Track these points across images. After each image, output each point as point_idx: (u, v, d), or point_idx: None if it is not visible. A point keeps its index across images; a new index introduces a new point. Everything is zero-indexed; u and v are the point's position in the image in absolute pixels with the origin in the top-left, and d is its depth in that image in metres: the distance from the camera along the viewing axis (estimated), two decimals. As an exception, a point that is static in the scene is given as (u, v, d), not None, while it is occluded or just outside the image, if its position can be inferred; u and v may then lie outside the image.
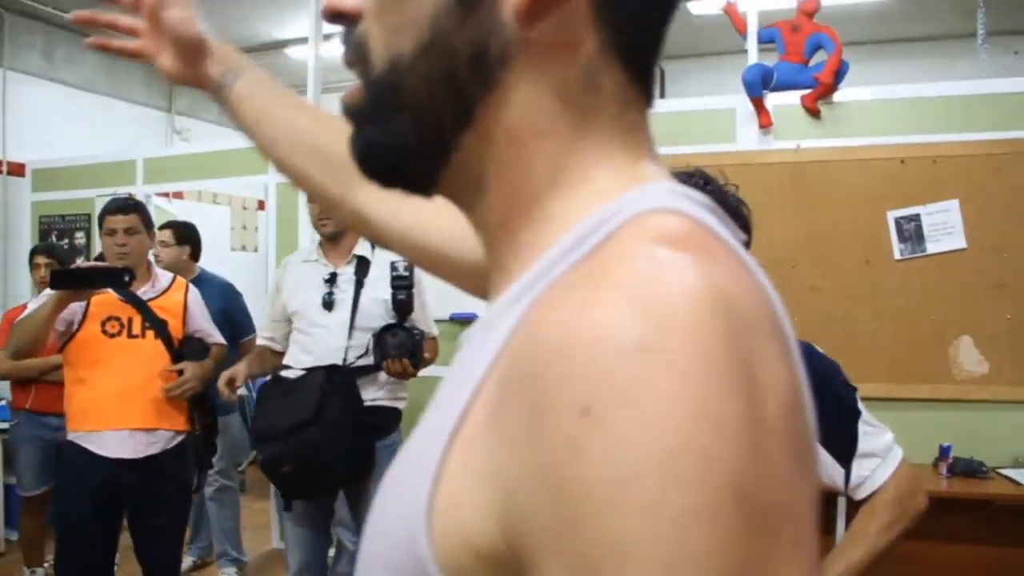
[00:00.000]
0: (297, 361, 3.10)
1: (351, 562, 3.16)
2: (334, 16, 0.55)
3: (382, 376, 3.08)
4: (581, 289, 0.42)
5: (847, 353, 3.47)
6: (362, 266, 3.17)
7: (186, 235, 4.48)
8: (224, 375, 3.20)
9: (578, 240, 0.46)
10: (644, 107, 0.53)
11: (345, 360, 3.06)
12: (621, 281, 0.41)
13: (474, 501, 0.44)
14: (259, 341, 3.41)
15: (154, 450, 3.10)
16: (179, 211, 6.23)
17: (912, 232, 3.54)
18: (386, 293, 3.10)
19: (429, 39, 0.50)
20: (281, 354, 3.24)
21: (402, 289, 3.06)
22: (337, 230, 3.16)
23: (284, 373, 3.14)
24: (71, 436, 3.09)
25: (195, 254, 4.52)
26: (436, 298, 3.26)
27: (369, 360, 3.06)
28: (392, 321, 3.08)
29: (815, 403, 1.51)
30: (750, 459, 0.37)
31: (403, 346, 3.02)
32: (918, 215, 3.53)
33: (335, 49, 6.85)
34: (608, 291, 0.41)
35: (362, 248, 3.20)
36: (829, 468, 1.46)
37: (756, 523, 0.37)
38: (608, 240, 0.44)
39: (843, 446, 1.46)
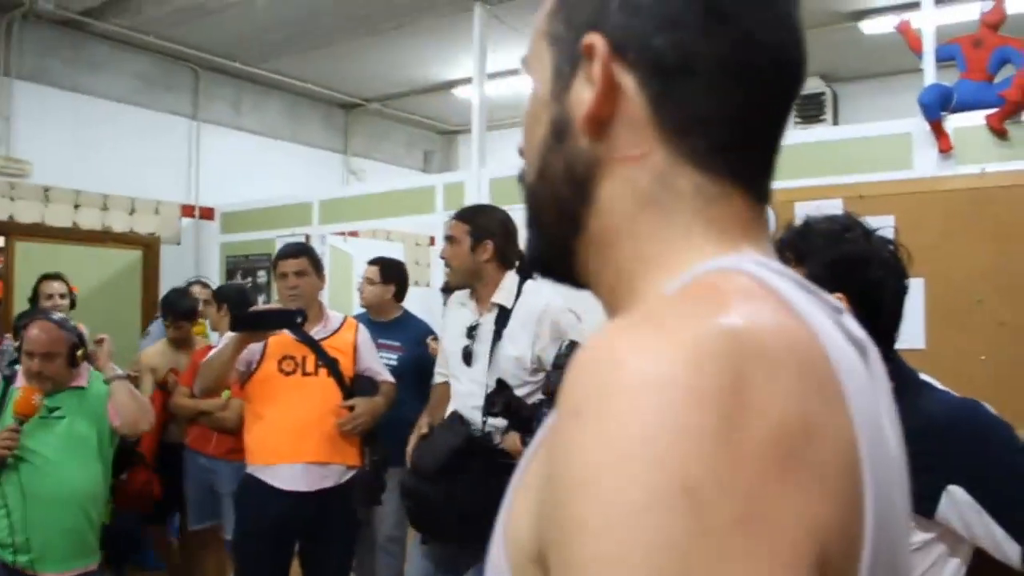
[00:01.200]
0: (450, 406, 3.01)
1: None
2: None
3: None
4: (613, 326, 0.50)
5: (1043, 396, 3.21)
6: (502, 316, 2.90)
7: (392, 274, 4.33)
8: (410, 448, 3.10)
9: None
10: (738, 199, 0.59)
11: (484, 427, 2.84)
12: (647, 319, 0.49)
13: (528, 508, 0.55)
14: (437, 379, 3.29)
15: (327, 484, 3.22)
16: (354, 249, 6.50)
17: (1117, 261, 3.22)
18: (522, 350, 2.84)
19: (540, 167, 0.63)
20: None
21: (557, 368, 2.71)
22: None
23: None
24: (249, 469, 3.26)
25: (399, 294, 4.37)
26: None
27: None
28: (531, 379, 2.83)
29: (982, 468, 1.34)
30: (706, 465, 0.41)
31: (517, 421, 2.67)
32: (1123, 242, 3.21)
33: (498, 88, 6.98)
34: (630, 326, 0.48)
35: (501, 295, 2.93)
36: (1001, 542, 1.31)
37: (705, 520, 0.41)
38: (665, 295, 0.54)
39: (1017, 518, 1.30)
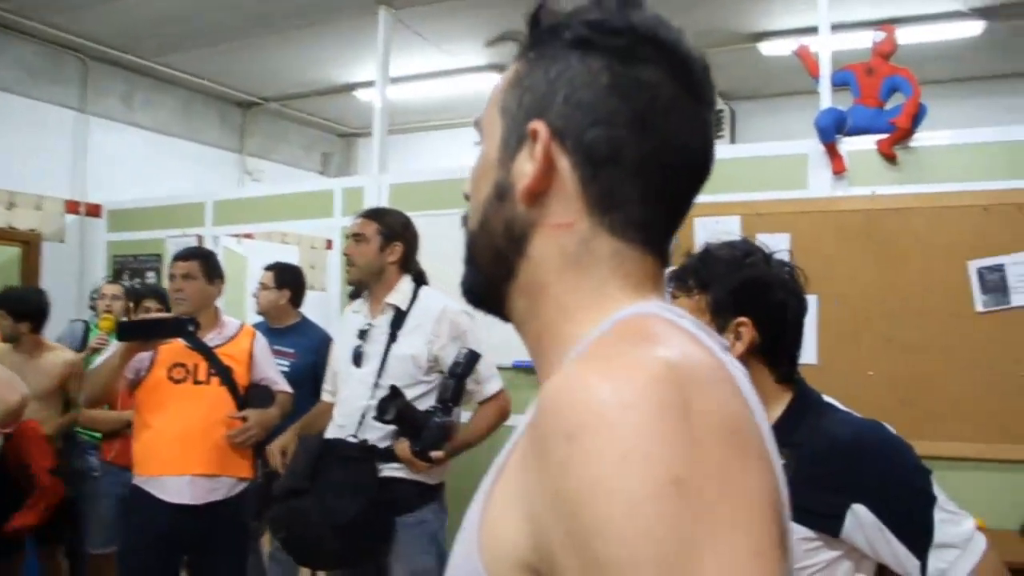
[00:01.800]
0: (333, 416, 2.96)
1: None
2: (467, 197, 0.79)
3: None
4: (573, 365, 0.60)
5: (927, 410, 3.35)
6: (398, 318, 2.91)
7: (287, 279, 4.27)
8: (275, 444, 3.10)
9: (583, 346, 0.65)
10: (648, 261, 0.71)
11: (363, 419, 2.82)
12: (599, 356, 0.60)
13: (509, 520, 0.60)
14: (323, 396, 3.24)
15: (215, 497, 3.10)
16: (248, 251, 6.32)
17: (996, 283, 3.37)
18: (418, 348, 2.85)
19: (482, 219, 0.74)
20: None
21: (452, 377, 2.79)
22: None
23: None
24: (136, 480, 3.12)
25: (296, 299, 4.31)
26: (499, 343, 2.90)
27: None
28: (425, 378, 2.85)
29: (884, 488, 1.39)
30: (684, 458, 0.51)
31: (408, 428, 2.65)
32: (1002, 265, 3.36)
33: (400, 92, 6.91)
34: (589, 363, 0.59)
35: (396, 297, 2.95)
36: (903, 559, 1.35)
37: (694, 502, 0.50)
38: (599, 337, 0.64)
39: (917, 535, 1.35)
